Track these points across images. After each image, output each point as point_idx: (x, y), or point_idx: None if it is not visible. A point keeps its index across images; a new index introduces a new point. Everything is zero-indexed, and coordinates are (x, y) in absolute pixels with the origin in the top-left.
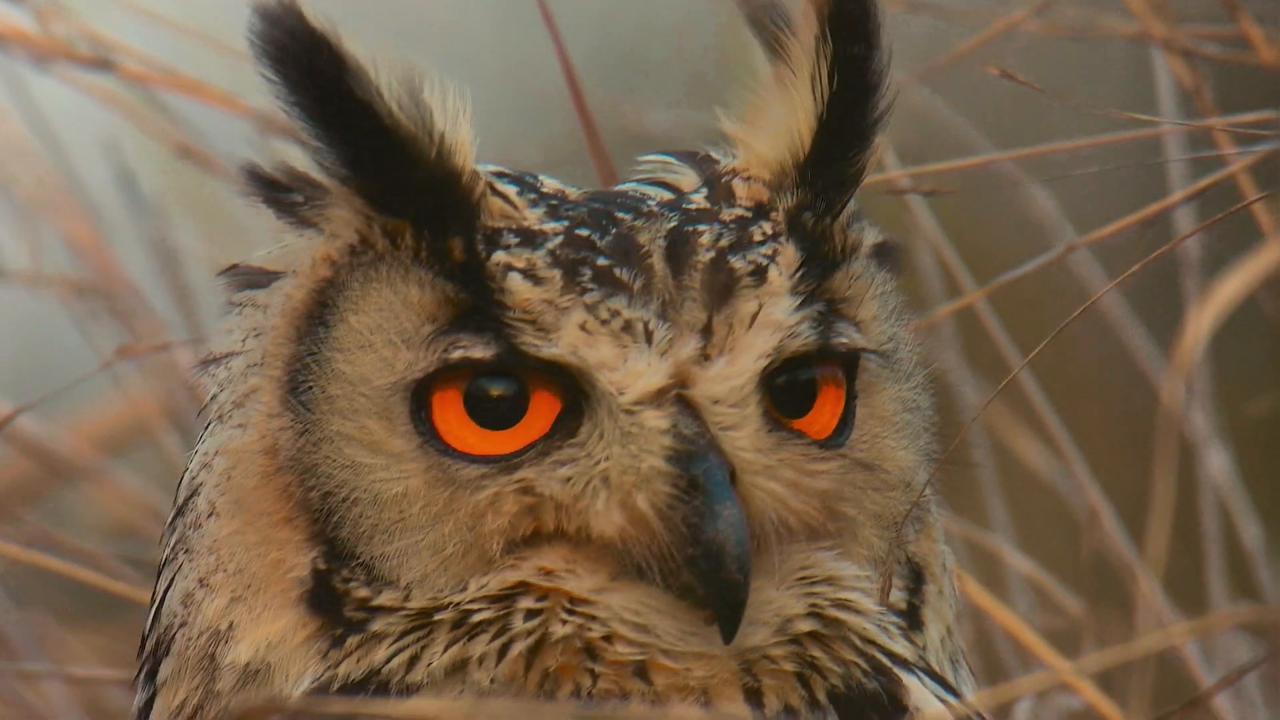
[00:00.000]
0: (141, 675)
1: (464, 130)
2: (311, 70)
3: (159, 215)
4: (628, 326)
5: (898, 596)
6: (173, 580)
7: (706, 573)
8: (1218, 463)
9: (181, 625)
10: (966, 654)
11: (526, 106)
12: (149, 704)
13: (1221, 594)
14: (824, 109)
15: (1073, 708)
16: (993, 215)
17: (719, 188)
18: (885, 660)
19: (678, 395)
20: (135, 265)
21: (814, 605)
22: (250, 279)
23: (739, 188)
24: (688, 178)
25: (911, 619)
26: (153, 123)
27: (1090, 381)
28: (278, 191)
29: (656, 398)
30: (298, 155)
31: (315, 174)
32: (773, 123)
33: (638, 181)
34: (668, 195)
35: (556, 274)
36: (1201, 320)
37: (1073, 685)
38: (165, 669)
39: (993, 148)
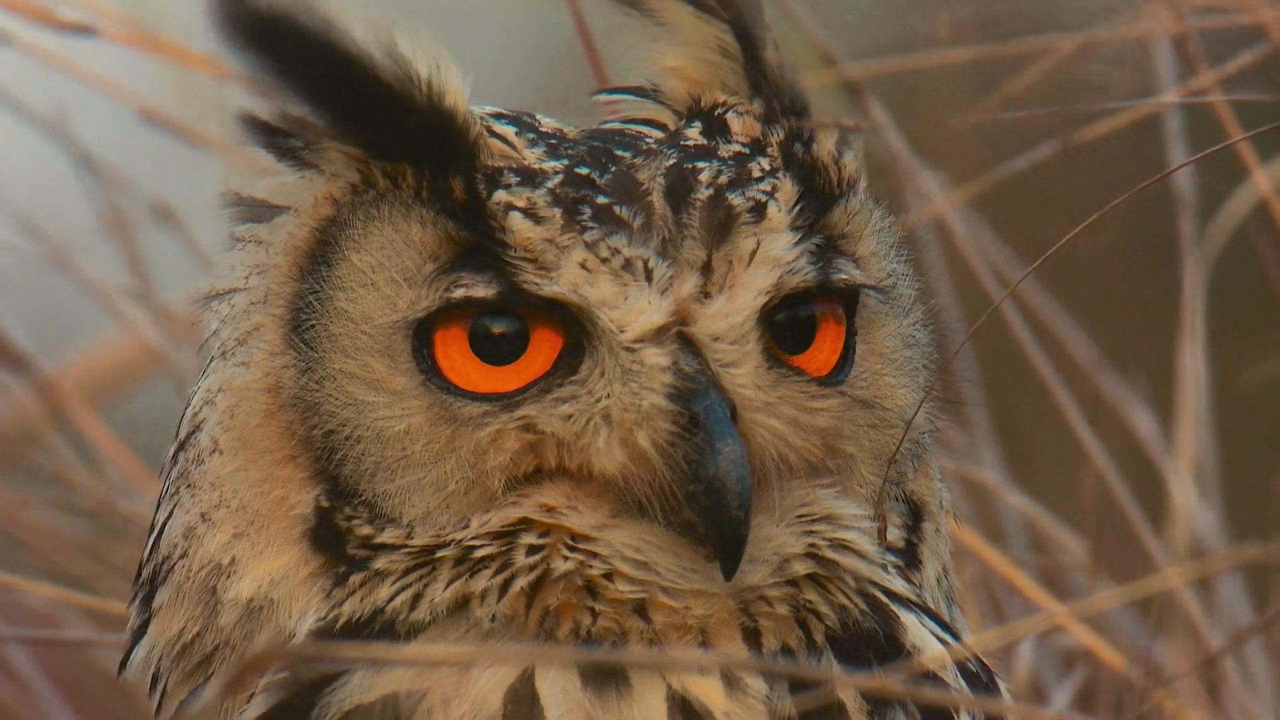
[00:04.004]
0: (137, 601)
1: (450, 73)
2: (285, 42)
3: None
4: (628, 265)
5: (896, 535)
6: (172, 512)
7: (707, 509)
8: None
9: (181, 556)
10: (959, 592)
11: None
12: (143, 628)
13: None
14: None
15: (1071, 648)
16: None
17: (713, 122)
18: (883, 598)
19: (678, 333)
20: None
21: (812, 545)
22: (252, 212)
23: (733, 122)
24: (659, 111)
25: (909, 557)
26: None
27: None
28: (276, 136)
29: (657, 335)
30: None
31: (310, 126)
32: (682, 47)
33: (620, 121)
34: (659, 134)
35: (557, 213)
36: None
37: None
38: (161, 596)
39: None
